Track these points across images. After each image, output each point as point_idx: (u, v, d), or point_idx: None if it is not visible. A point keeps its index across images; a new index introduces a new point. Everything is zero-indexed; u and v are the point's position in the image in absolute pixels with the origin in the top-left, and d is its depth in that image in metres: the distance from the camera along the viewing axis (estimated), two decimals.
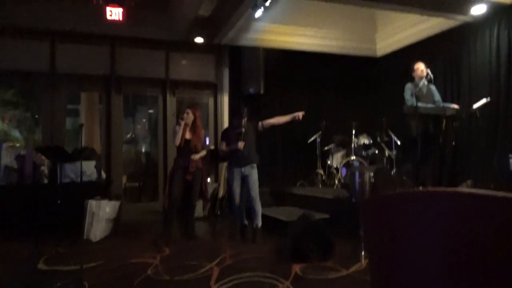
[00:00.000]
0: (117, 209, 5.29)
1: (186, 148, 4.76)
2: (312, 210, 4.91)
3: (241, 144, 4.56)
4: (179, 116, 4.94)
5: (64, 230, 4.62)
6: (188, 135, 4.78)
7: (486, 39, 5.84)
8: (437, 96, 5.33)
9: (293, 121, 4.83)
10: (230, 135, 4.76)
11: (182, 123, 4.74)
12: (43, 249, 4.24)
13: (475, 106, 5.05)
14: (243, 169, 4.66)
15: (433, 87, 5.29)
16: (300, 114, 4.71)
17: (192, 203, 4.85)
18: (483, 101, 5.04)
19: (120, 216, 5.43)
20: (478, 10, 5.56)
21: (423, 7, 5.57)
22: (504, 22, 5.55)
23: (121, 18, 5.77)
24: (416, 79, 5.20)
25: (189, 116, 4.79)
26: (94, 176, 5.44)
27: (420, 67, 5.19)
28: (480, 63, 5.93)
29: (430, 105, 5.11)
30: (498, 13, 5.58)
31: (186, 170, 4.72)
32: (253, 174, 4.67)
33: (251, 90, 7.11)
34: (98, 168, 5.57)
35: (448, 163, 6.05)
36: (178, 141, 4.72)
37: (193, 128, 4.81)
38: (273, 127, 5.19)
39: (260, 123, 4.79)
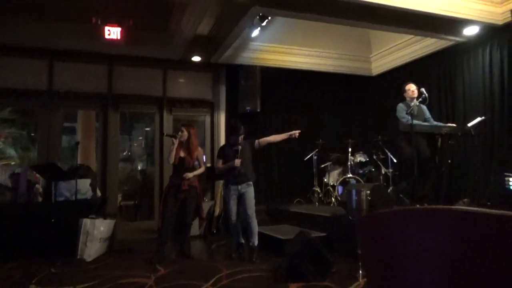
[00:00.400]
0: (111, 228, 5.23)
1: (180, 166, 4.74)
2: (309, 228, 4.88)
3: (238, 161, 4.56)
4: (171, 135, 4.95)
5: (58, 250, 4.55)
6: (182, 153, 4.77)
7: (479, 59, 5.95)
8: (428, 114, 5.42)
9: (290, 139, 4.84)
10: (226, 152, 4.76)
11: (176, 141, 4.74)
12: (35, 269, 4.17)
13: (470, 124, 5.10)
14: (239, 187, 4.64)
15: (423, 107, 5.37)
16: (296, 132, 4.73)
17: (187, 222, 4.79)
18: (478, 119, 5.10)
19: (115, 235, 5.36)
20: (470, 31, 5.68)
21: (416, 28, 5.68)
22: (496, 43, 5.67)
23: (119, 37, 5.82)
24: (407, 99, 5.30)
25: (183, 134, 4.79)
26: (89, 194, 5.39)
27: (411, 88, 5.30)
28: (474, 82, 6.02)
29: (425, 123, 5.20)
30: (490, 34, 5.70)
31: (179, 188, 4.70)
32: (250, 192, 4.65)
33: (248, 108, 7.16)
34: (93, 186, 5.52)
35: (444, 181, 6.06)
36: (172, 159, 4.71)
37: (188, 146, 4.80)
38: (270, 145, 5.20)
39: (256, 141, 4.79)
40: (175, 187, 4.71)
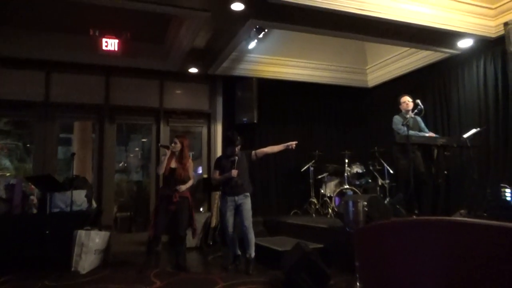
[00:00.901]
0: (106, 240, 5.18)
1: (171, 178, 4.72)
2: (306, 240, 4.86)
3: (234, 172, 4.55)
4: (164, 145, 4.96)
5: (52, 262, 4.49)
6: (173, 164, 4.76)
7: (474, 71, 6.01)
8: (422, 124, 5.48)
9: (287, 150, 4.85)
10: (223, 163, 4.75)
11: (168, 152, 4.74)
12: (29, 282, 4.10)
13: (465, 135, 5.13)
14: (236, 198, 4.62)
15: (418, 118, 5.42)
16: (293, 143, 4.73)
17: (180, 234, 4.74)
18: (473, 131, 5.13)
19: (110, 247, 5.31)
20: (465, 43, 5.75)
21: (411, 40, 5.75)
22: (490, 55, 5.74)
23: (116, 49, 5.84)
24: (403, 111, 5.36)
25: (176, 146, 4.79)
26: (84, 205, 5.35)
27: (406, 100, 5.37)
28: (469, 94, 6.08)
29: (421, 134, 5.24)
30: (484, 47, 5.77)
31: (170, 200, 4.66)
32: (247, 203, 4.63)
33: (245, 120, 7.17)
34: (88, 197, 5.49)
35: (441, 192, 6.07)
36: (161, 170, 4.70)
37: (180, 157, 4.79)
38: (267, 156, 5.20)
39: (253, 152, 4.79)
40: (166, 198, 4.69)
